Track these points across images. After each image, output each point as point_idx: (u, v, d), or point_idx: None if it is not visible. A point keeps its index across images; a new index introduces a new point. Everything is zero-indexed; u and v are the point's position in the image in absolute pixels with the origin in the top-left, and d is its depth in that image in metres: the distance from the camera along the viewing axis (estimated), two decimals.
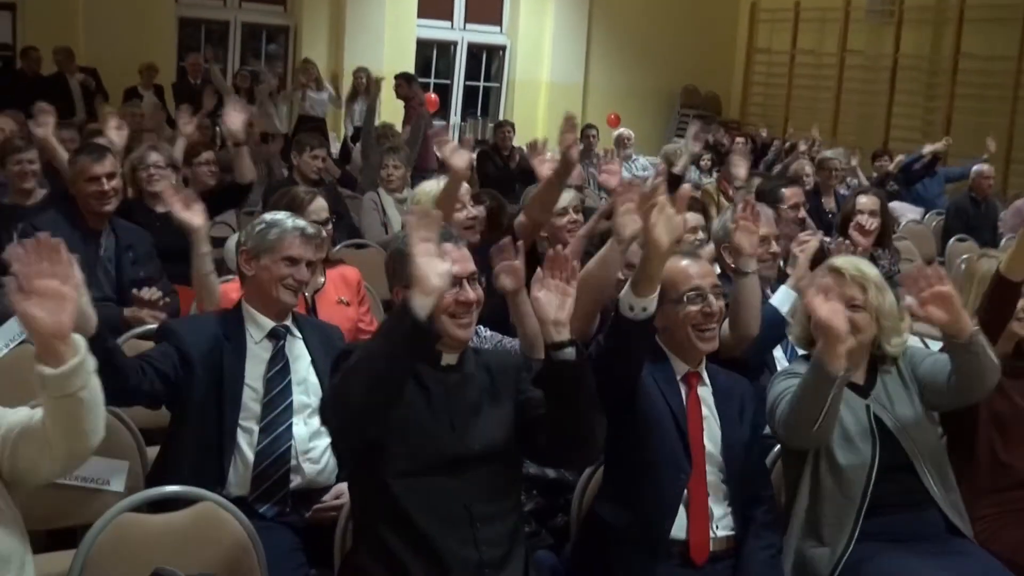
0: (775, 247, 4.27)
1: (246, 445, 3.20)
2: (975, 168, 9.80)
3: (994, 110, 13.30)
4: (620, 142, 11.71)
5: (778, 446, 3.36)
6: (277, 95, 11.91)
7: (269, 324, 3.34)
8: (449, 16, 15.13)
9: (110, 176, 4.67)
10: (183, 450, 3.22)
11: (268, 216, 3.55)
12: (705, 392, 3.11)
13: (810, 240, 4.23)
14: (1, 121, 6.68)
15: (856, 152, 11.33)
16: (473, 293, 2.77)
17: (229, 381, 3.22)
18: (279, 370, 3.29)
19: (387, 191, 6.99)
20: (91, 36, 12.20)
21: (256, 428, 3.21)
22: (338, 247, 5.74)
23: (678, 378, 3.08)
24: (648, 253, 2.80)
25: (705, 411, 3.07)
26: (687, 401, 3.05)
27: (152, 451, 3.41)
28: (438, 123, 14.91)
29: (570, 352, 2.60)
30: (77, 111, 11.21)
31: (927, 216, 10.12)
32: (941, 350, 3.34)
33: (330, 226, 4.56)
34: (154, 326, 4.09)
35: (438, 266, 2.49)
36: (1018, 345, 3.57)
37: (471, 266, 2.81)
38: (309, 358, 3.37)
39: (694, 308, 2.98)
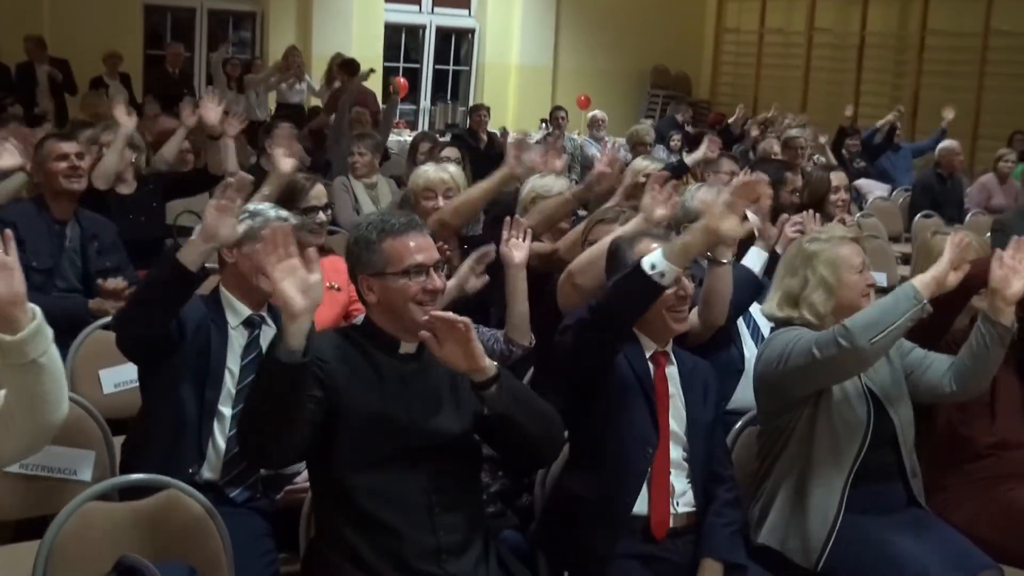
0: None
1: (218, 431, 3.21)
2: (941, 145, 9.87)
3: (961, 86, 13.40)
4: (594, 123, 11.76)
5: (738, 425, 3.43)
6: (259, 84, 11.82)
7: (246, 312, 3.34)
8: (417, 0, 15.07)
9: (79, 155, 4.71)
10: (156, 433, 3.22)
11: (251, 206, 3.53)
12: (672, 371, 3.14)
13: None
14: None
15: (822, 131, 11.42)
16: (440, 281, 2.78)
17: (214, 361, 3.23)
18: (253, 358, 3.28)
19: (355, 177, 7.00)
20: (56, 25, 12.09)
21: (229, 413, 3.22)
22: None
23: (647, 356, 3.11)
24: (705, 235, 2.87)
25: (672, 390, 3.11)
26: (655, 379, 3.09)
27: (119, 441, 3.41)
28: (407, 107, 14.92)
29: (491, 392, 2.62)
30: (41, 103, 11.11)
31: (894, 193, 10.20)
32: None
33: (330, 212, 4.51)
34: None
35: (302, 282, 2.45)
36: (974, 319, 3.61)
37: (436, 254, 2.81)
38: None
39: (670, 290, 3.01)
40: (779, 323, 3.29)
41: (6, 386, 2.23)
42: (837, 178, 5.83)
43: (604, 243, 3.52)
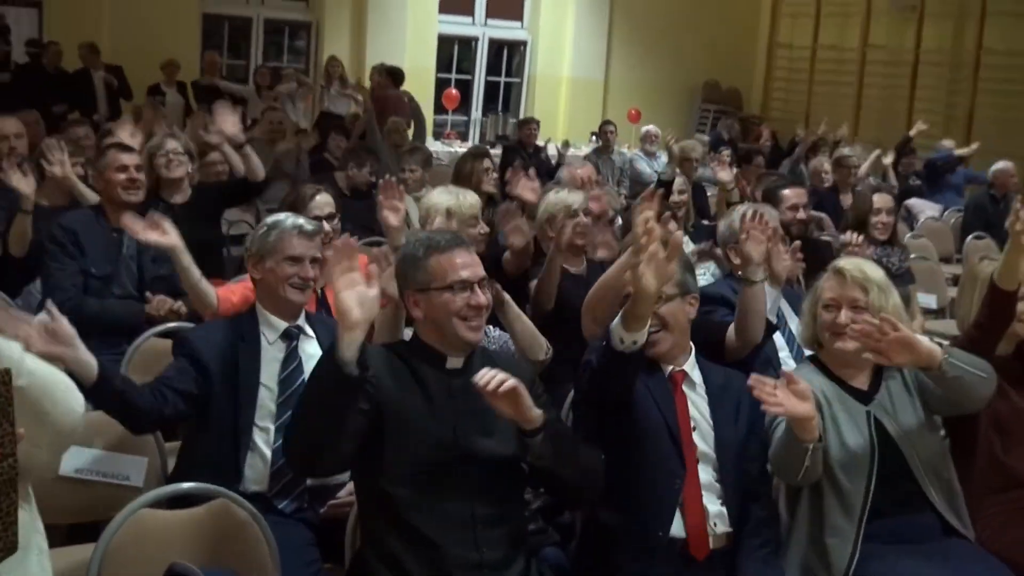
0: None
1: (263, 443, 3.27)
2: (995, 166, 9.78)
3: (1016, 105, 13.24)
4: (647, 138, 11.78)
5: None
6: (296, 94, 11.93)
7: (282, 325, 3.42)
8: (470, 12, 15.20)
9: (138, 167, 4.80)
10: (201, 448, 3.31)
11: (270, 219, 3.62)
12: (695, 390, 3.18)
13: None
14: (7, 125, 6.18)
15: (886, 150, 11.36)
16: (484, 297, 2.84)
17: (244, 382, 3.30)
18: (293, 370, 3.37)
19: (407, 191, 7.06)
20: (115, 33, 12.33)
21: (272, 427, 3.29)
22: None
23: (665, 377, 3.15)
24: (636, 296, 2.82)
25: (694, 411, 3.13)
26: (675, 401, 3.12)
27: (171, 447, 3.49)
28: (459, 119, 15.02)
29: (536, 441, 2.70)
30: (100, 108, 11.33)
31: (946, 213, 10.11)
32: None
33: (336, 222, 4.56)
34: (174, 325, 4.21)
35: (361, 296, 2.50)
36: (1019, 347, 3.60)
37: (481, 271, 2.88)
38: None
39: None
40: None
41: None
42: (880, 199, 5.82)
43: (610, 276, 3.58)
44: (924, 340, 3.16)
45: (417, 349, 2.88)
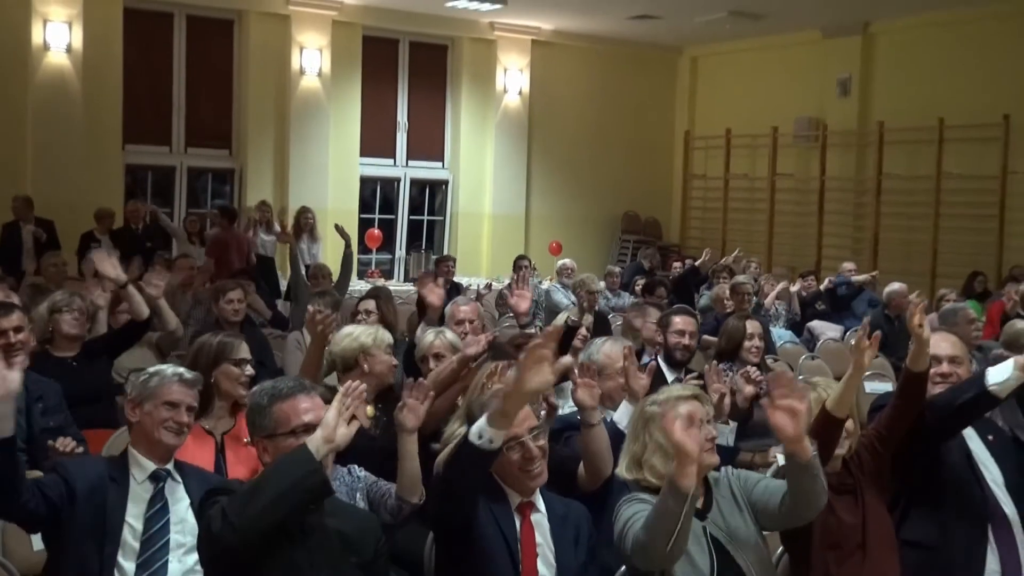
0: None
1: None
2: (889, 287, 10.16)
3: (919, 227, 13.86)
4: (563, 271, 12.09)
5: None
6: None
7: (151, 467, 3.55)
8: (392, 154, 15.59)
9: (17, 329, 4.92)
10: None
11: (152, 367, 3.79)
12: (540, 519, 3.33)
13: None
14: None
15: (789, 274, 11.77)
16: None
17: (110, 518, 3.41)
18: (158, 510, 3.49)
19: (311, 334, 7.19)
20: (40, 185, 12.46)
21: (133, 566, 3.39)
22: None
23: (512, 508, 3.30)
24: (514, 393, 2.95)
25: (539, 538, 3.29)
26: (521, 530, 3.27)
27: None
28: (383, 257, 15.28)
29: None
30: (25, 263, 11.37)
31: (848, 333, 10.44)
32: (775, 474, 3.60)
33: (250, 368, 4.62)
34: None
35: (345, 428, 2.87)
36: (845, 463, 3.82)
37: (323, 413, 3.03)
38: (188, 500, 3.56)
39: (515, 456, 3.24)
40: (629, 486, 3.46)
41: None
42: (752, 326, 6.12)
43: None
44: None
45: None
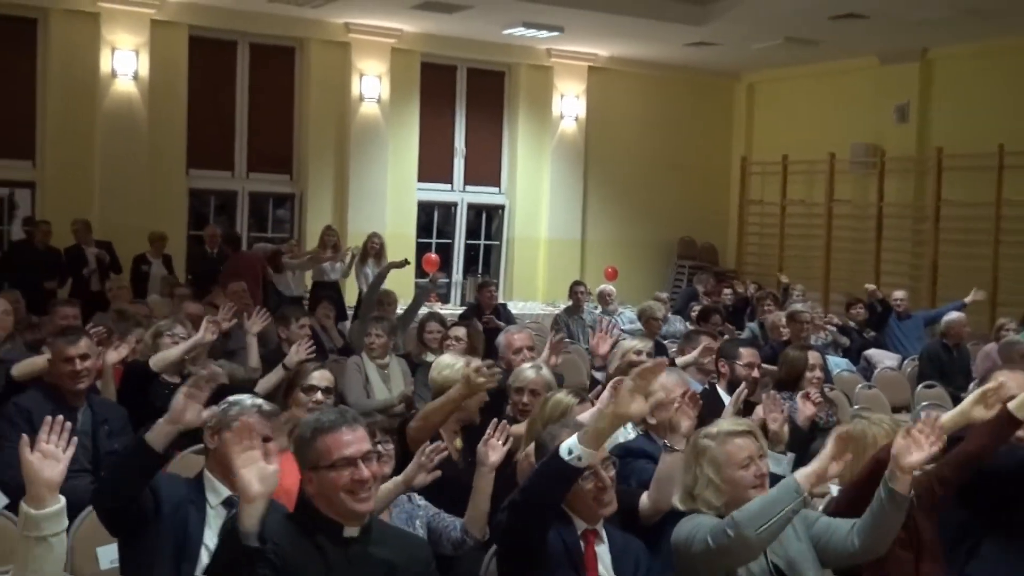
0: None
1: None
2: (947, 316, 10.10)
3: (977, 254, 13.71)
4: (602, 298, 12.15)
5: None
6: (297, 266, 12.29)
7: (226, 492, 3.64)
8: (449, 179, 15.74)
9: (83, 357, 5.08)
10: None
11: (232, 396, 3.89)
12: (602, 549, 3.42)
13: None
14: None
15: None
16: (367, 471, 3.06)
17: (191, 540, 3.52)
18: None
19: (370, 358, 7.31)
20: (106, 209, 12.78)
21: None
22: None
23: (578, 533, 3.39)
24: (612, 416, 3.17)
25: (601, 569, 3.37)
26: (585, 556, 3.36)
27: None
28: (441, 281, 15.40)
29: None
30: (92, 283, 11.69)
31: (905, 362, 10.38)
32: (826, 506, 3.64)
33: (332, 399, 4.77)
34: None
35: (260, 471, 2.86)
36: None
37: (366, 446, 3.11)
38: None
39: (589, 485, 3.32)
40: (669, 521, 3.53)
41: (16, 559, 2.61)
42: (813, 356, 6.13)
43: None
44: None
45: (315, 519, 3.09)
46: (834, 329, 10.50)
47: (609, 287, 12.16)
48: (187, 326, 6.44)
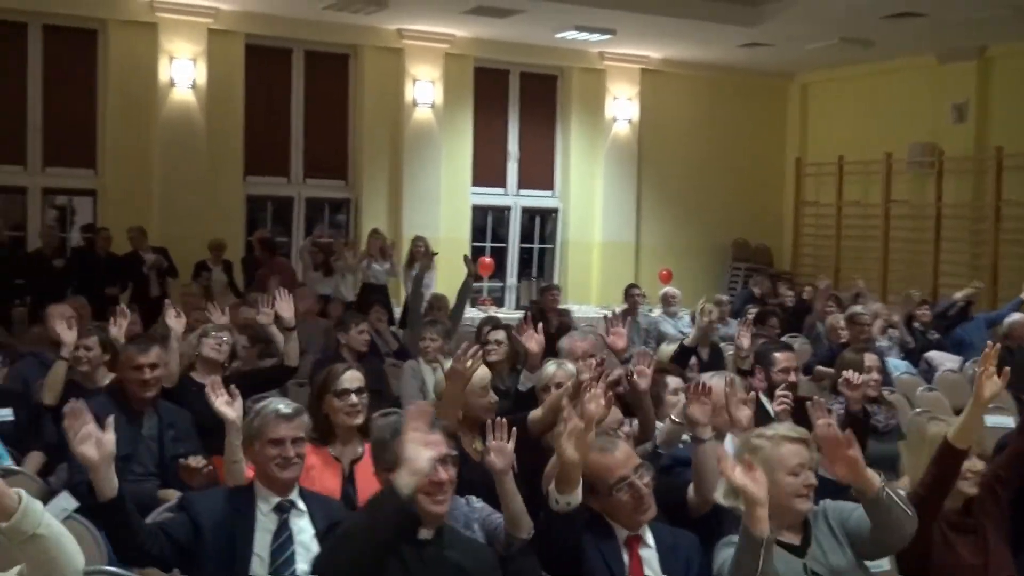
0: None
1: None
2: (1009, 318, 9.94)
3: None
4: (666, 300, 12.12)
5: None
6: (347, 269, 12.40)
7: (275, 499, 3.71)
8: (503, 183, 15.79)
9: (152, 366, 5.16)
10: None
11: (257, 404, 3.95)
12: (648, 553, 3.41)
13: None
14: (60, 309, 6.97)
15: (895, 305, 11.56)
16: (446, 473, 3.13)
17: (239, 549, 3.57)
18: (283, 541, 3.63)
19: (426, 361, 7.36)
20: (165, 216, 12.99)
21: None
22: (374, 416, 6.14)
23: (620, 543, 3.38)
24: (563, 464, 3.22)
25: (648, 573, 3.37)
26: (630, 565, 3.35)
27: None
28: (495, 285, 15.46)
29: None
30: (152, 289, 11.89)
31: (967, 364, 10.22)
32: None
33: (364, 396, 4.74)
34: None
35: (426, 452, 2.92)
36: (967, 502, 3.80)
37: (444, 449, 3.17)
38: (313, 530, 3.70)
39: (625, 496, 3.33)
40: (725, 512, 3.51)
41: (22, 561, 2.64)
42: (869, 359, 6.07)
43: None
44: (867, 469, 3.38)
45: None
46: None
47: (673, 289, 12.13)
48: (232, 332, 6.50)
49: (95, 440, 3.33)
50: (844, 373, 5.31)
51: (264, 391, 6.33)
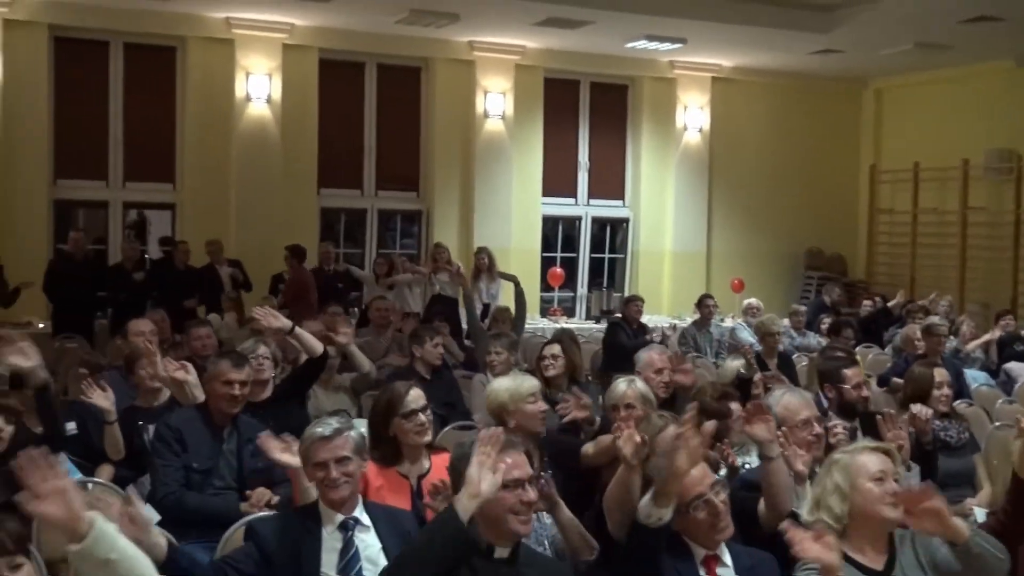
0: (817, 428, 4.51)
1: None
2: None
3: None
4: (749, 310, 12.07)
5: None
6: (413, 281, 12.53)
7: (339, 517, 3.75)
8: (573, 193, 15.80)
9: (243, 384, 5.20)
10: None
11: (308, 428, 3.98)
12: (727, 573, 3.41)
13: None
14: (141, 324, 7.18)
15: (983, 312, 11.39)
16: (533, 493, 3.17)
17: (307, 570, 3.62)
18: (350, 559, 3.68)
19: (493, 375, 7.38)
20: (242, 228, 13.23)
21: None
22: (446, 429, 6.20)
23: (698, 562, 3.39)
24: (669, 474, 3.19)
25: None
26: None
27: None
28: (565, 295, 15.49)
29: None
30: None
31: None
32: None
33: (429, 412, 4.78)
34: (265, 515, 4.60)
35: (491, 476, 2.96)
36: None
37: (530, 469, 3.23)
38: (380, 544, 3.74)
39: (702, 514, 3.33)
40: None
41: None
42: (939, 374, 5.99)
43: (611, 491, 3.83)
44: (953, 516, 3.33)
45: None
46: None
47: (756, 301, 12.08)
48: (270, 345, 6.54)
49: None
50: (912, 407, 5.25)
51: (309, 387, 6.50)
